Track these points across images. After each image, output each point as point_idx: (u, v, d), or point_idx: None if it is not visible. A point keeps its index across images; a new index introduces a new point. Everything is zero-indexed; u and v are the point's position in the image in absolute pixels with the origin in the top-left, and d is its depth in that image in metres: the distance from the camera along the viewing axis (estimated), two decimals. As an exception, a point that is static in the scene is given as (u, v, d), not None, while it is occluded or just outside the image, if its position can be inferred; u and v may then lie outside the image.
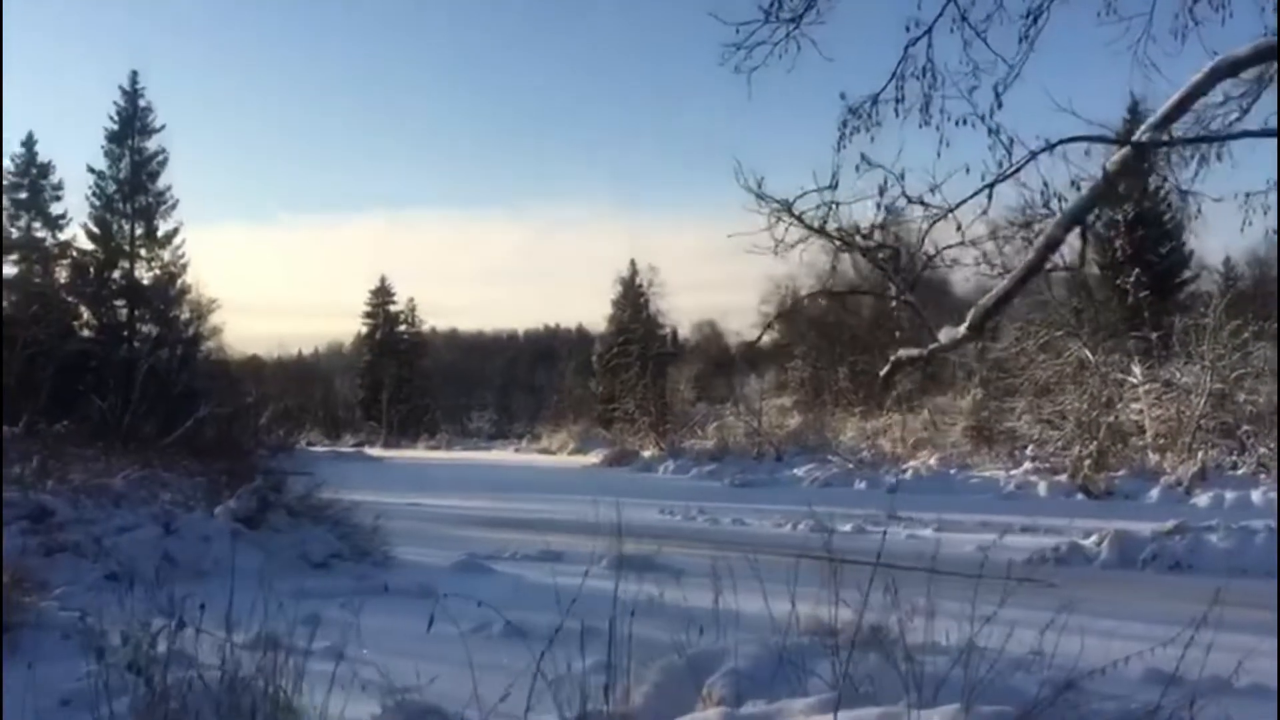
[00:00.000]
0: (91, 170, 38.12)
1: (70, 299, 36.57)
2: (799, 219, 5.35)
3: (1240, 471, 24.60)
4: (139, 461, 14.33)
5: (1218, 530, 12.79)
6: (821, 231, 5.35)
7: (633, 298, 53.51)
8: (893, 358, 5.56)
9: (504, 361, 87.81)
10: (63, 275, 37.60)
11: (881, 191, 5.28)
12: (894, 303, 5.48)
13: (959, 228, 5.35)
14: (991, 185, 4.94)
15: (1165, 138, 4.74)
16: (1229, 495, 21.24)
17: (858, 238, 5.35)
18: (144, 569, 9.21)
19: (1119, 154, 4.84)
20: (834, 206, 5.37)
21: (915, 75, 5.55)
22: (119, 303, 37.34)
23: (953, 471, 28.17)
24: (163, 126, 38.63)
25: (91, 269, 37.23)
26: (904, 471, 28.66)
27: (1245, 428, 26.08)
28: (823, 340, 46.08)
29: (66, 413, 20.51)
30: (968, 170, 5.16)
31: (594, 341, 59.02)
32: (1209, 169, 5.46)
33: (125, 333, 36.53)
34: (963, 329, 5.07)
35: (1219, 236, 56.82)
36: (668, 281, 72.69)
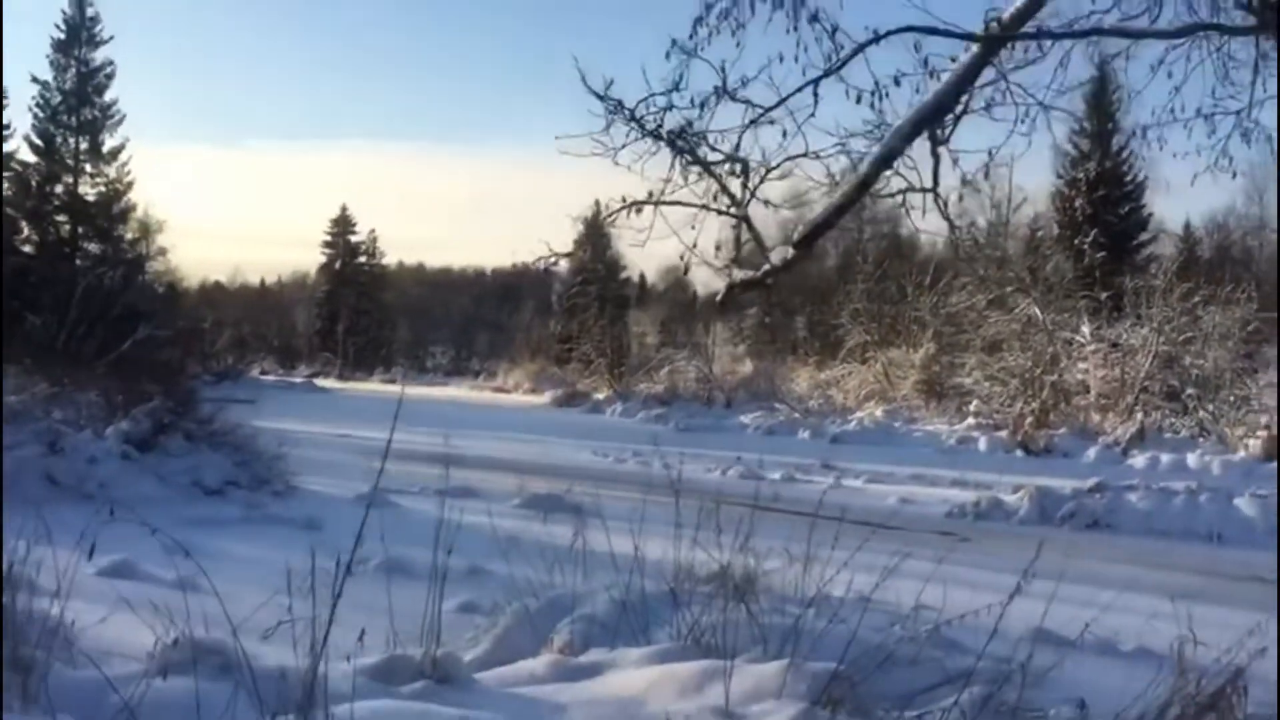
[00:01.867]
0: (35, 80, 36.95)
1: (10, 213, 35.57)
2: (636, 120, 4.95)
3: (1181, 434, 24.68)
4: (55, 379, 13.88)
5: (1138, 490, 12.71)
6: (655, 135, 4.94)
7: (594, 238, 52.92)
8: (727, 281, 5.22)
9: (470, 298, 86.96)
10: (4, 188, 36.58)
11: (717, 93, 4.87)
12: (735, 221, 5.12)
13: (787, 133, 4.95)
14: (815, 82, 4.57)
15: (1018, 33, 4.35)
16: (1165, 457, 21.26)
17: (704, 147, 4.98)
18: (25, 489, 8.88)
19: (967, 53, 4.47)
20: (668, 109, 4.96)
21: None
22: (61, 219, 36.38)
23: (897, 424, 28.14)
24: (111, 38, 37.44)
25: (33, 183, 36.19)
26: (849, 422, 28.58)
27: (1190, 390, 26.15)
28: (783, 289, 45.87)
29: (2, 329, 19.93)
30: (781, 59, 4.73)
31: (554, 281, 58.55)
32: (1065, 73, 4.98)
33: (67, 250, 35.64)
34: (790, 248, 4.73)
35: (1181, 201, 56.93)
36: (636, 223, 71.92)
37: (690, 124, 5.06)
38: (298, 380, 51.48)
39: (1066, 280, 30.08)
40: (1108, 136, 35.09)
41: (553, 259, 5.74)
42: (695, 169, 5.21)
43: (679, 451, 21.97)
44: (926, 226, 6.68)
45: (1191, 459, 21.12)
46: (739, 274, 5.25)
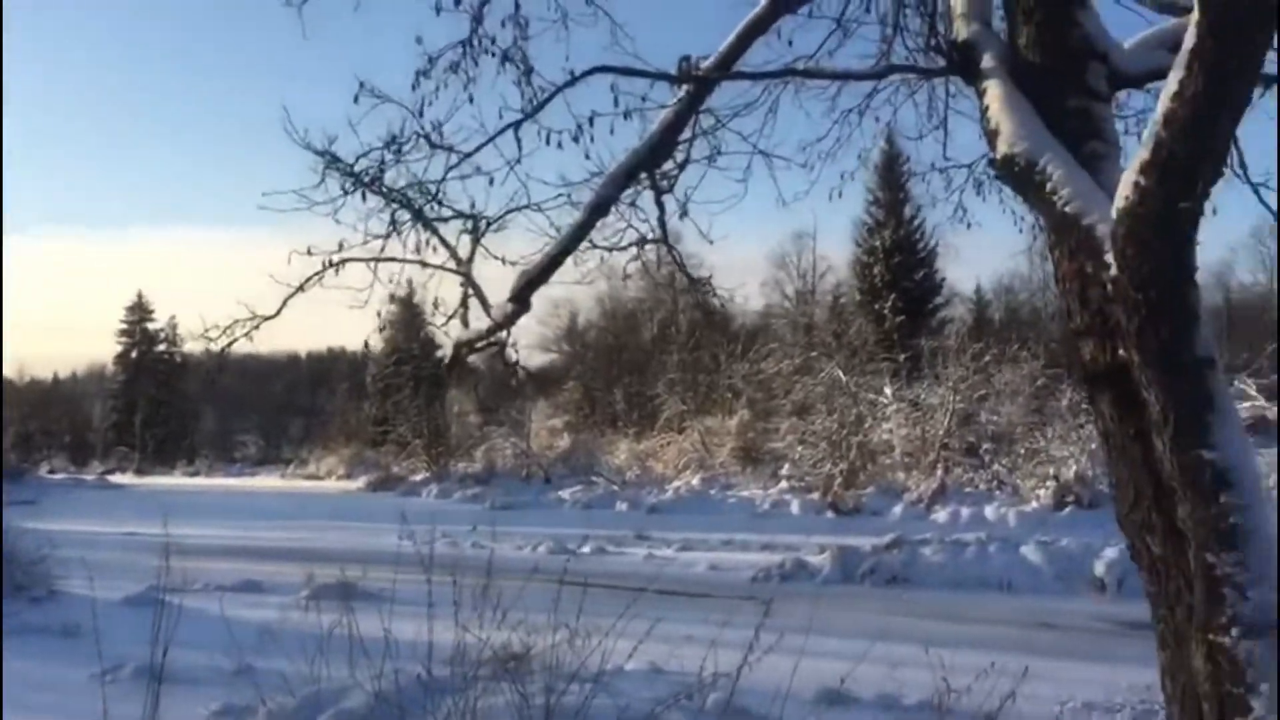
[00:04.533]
0: None
1: None
2: (353, 175, 4.66)
3: (980, 488, 25.63)
4: None
5: (932, 544, 12.98)
6: (372, 186, 4.67)
7: (408, 318, 51.93)
8: (453, 341, 4.97)
9: (282, 384, 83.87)
10: None
11: (416, 138, 4.64)
12: (463, 280, 4.88)
13: (492, 183, 4.79)
14: (516, 126, 4.42)
15: (726, 74, 4.30)
16: (965, 511, 21.99)
17: (419, 198, 4.72)
18: None
19: (678, 96, 4.40)
20: (393, 160, 4.70)
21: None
22: None
23: (714, 491, 28.31)
24: None
25: None
26: (666, 492, 28.60)
27: (986, 446, 27.25)
28: (600, 361, 46.01)
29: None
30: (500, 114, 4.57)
31: (369, 363, 56.91)
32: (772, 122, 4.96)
33: None
34: (508, 304, 4.53)
35: (972, 267, 60.41)
36: (448, 300, 71.12)
37: (417, 179, 4.83)
38: (89, 477, 48.26)
39: (869, 344, 31.18)
40: (900, 205, 36.89)
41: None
42: (416, 224, 4.95)
43: (492, 530, 21.41)
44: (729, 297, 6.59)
45: (989, 511, 21.91)
46: (461, 334, 4.98)
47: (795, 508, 24.78)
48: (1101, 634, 10.17)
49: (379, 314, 4.96)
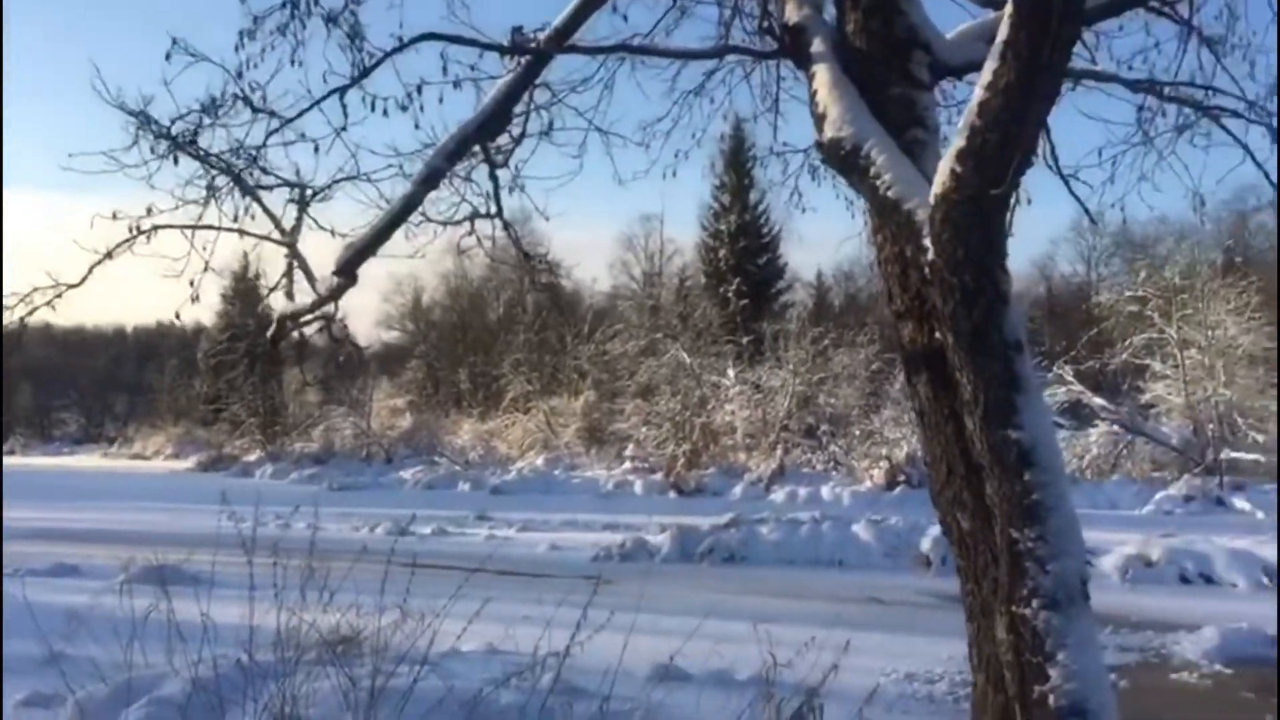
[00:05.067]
0: None
1: None
2: (168, 135, 4.42)
3: (818, 469, 26.38)
4: None
5: (768, 523, 13.26)
6: (188, 149, 4.43)
7: (244, 292, 50.08)
8: (276, 315, 4.81)
9: (107, 359, 79.71)
10: None
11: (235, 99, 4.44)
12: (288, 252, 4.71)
13: (318, 150, 4.63)
14: (340, 92, 4.29)
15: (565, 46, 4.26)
16: (802, 490, 22.60)
17: (240, 164, 4.51)
18: None
19: (512, 68, 4.33)
20: (211, 123, 4.46)
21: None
22: None
23: (558, 472, 28.33)
24: None
25: None
26: (510, 472, 28.47)
27: (823, 428, 28.04)
28: (445, 340, 45.35)
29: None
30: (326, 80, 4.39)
31: (200, 338, 54.62)
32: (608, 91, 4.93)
33: None
34: (334, 278, 4.40)
35: (814, 252, 61.97)
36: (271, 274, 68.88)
37: (239, 143, 4.59)
38: (-113, 459, 44.98)
39: (713, 326, 31.65)
40: (745, 191, 37.47)
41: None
42: (236, 191, 4.72)
43: (330, 511, 20.86)
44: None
45: (825, 491, 22.59)
46: (286, 307, 4.79)
47: (639, 488, 25.00)
48: (925, 608, 10.56)
49: (191, 283, 4.69)
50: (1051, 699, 3.08)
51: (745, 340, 30.17)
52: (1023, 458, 3.18)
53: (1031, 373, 3.32)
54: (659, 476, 25.71)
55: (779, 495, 22.59)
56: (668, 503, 22.40)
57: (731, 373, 28.78)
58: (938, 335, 3.39)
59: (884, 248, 3.63)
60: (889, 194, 3.44)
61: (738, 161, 36.15)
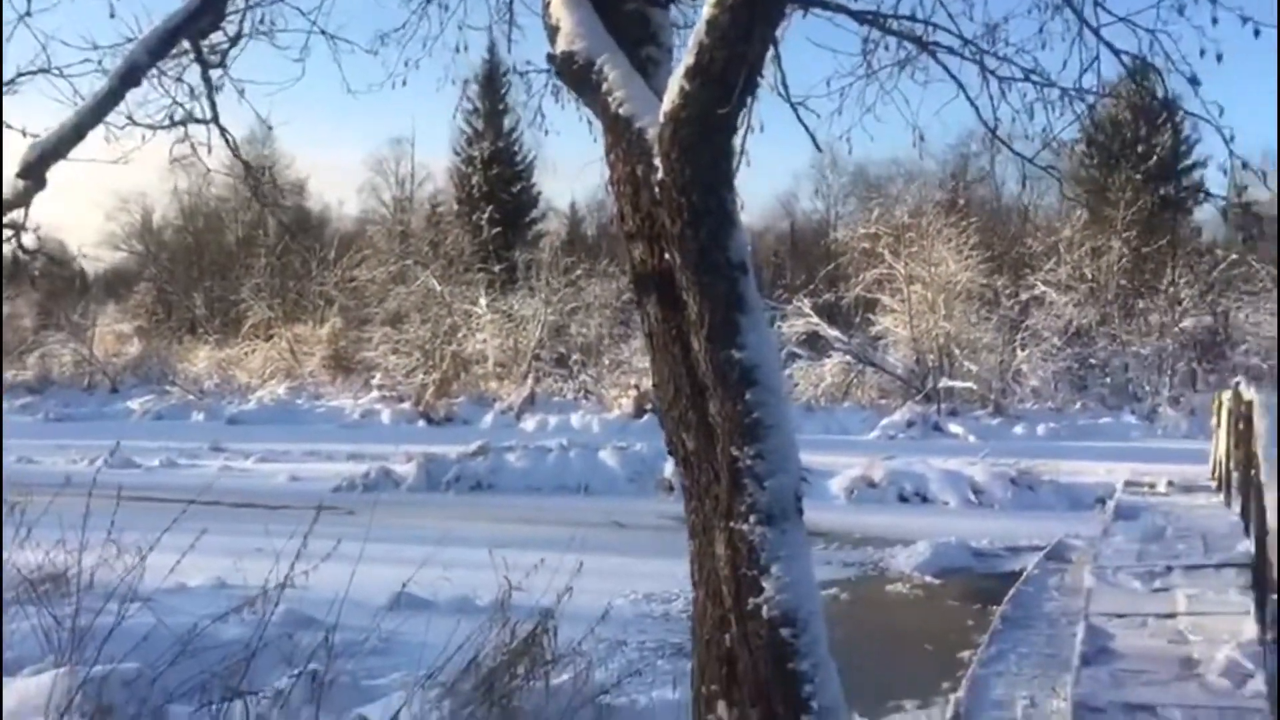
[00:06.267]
0: None
1: None
2: None
3: (568, 397, 26.65)
4: None
5: (516, 451, 13.29)
6: None
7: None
8: None
9: None
10: None
11: None
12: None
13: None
14: None
15: None
16: (553, 419, 22.79)
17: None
18: None
19: None
20: None
21: None
22: None
23: (301, 401, 27.34)
24: None
25: None
26: (249, 402, 27.25)
27: (575, 357, 28.33)
28: (178, 263, 42.57)
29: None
30: None
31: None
32: None
33: None
34: (18, 180, 3.99)
35: (568, 181, 61.91)
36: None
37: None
38: None
39: (465, 254, 31.16)
40: (499, 116, 36.88)
41: None
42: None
43: (46, 444, 19.33)
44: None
45: (575, 419, 22.87)
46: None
47: (386, 417, 24.51)
48: (665, 530, 10.88)
49: None
50: (764, 610, 3.19)
51: (497, 269, 29.94)
52: (745, 377, 3.24)
53: (756, 295, 3.38)
54: (408, 406, 25.28)
55: (529, 424, 22.70)
56: (416, 432, 22.09)
57: (483, 301, 28.53)
58: (667, 257, 3.39)
59: (616, 168, 3.58)
60: (620, 111, 3.38)
61: (492, 87, 35.48)
